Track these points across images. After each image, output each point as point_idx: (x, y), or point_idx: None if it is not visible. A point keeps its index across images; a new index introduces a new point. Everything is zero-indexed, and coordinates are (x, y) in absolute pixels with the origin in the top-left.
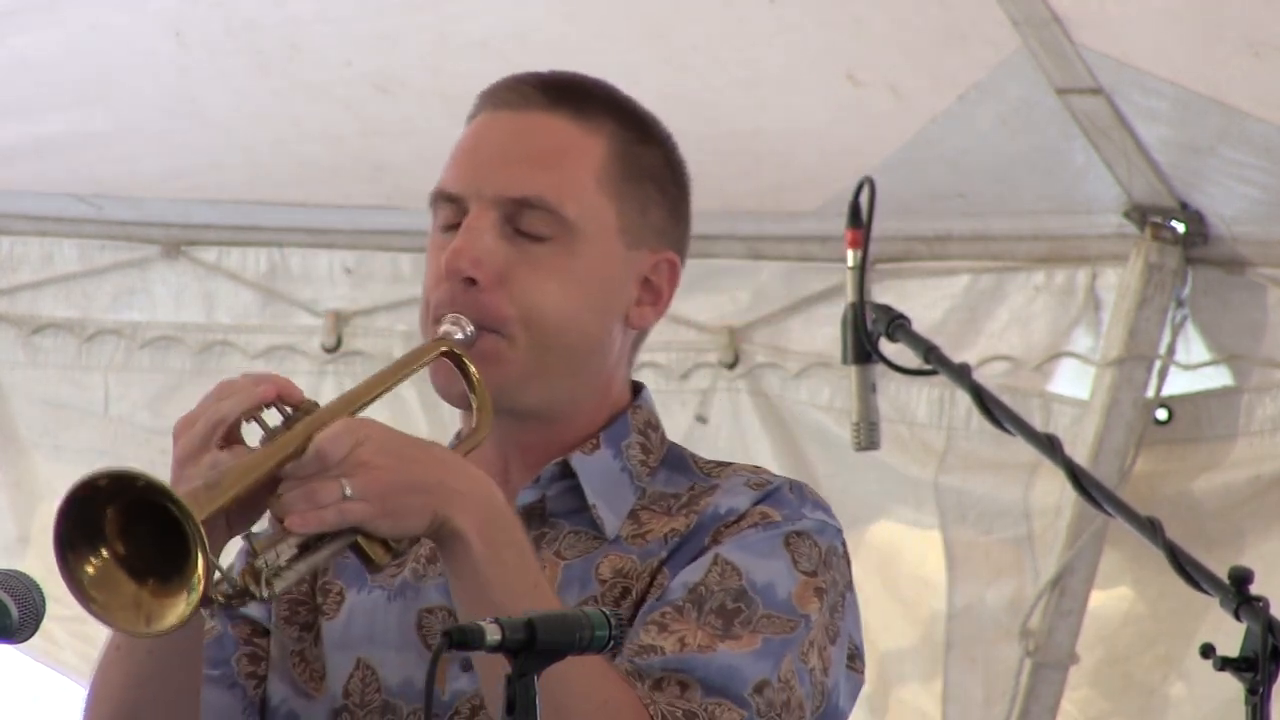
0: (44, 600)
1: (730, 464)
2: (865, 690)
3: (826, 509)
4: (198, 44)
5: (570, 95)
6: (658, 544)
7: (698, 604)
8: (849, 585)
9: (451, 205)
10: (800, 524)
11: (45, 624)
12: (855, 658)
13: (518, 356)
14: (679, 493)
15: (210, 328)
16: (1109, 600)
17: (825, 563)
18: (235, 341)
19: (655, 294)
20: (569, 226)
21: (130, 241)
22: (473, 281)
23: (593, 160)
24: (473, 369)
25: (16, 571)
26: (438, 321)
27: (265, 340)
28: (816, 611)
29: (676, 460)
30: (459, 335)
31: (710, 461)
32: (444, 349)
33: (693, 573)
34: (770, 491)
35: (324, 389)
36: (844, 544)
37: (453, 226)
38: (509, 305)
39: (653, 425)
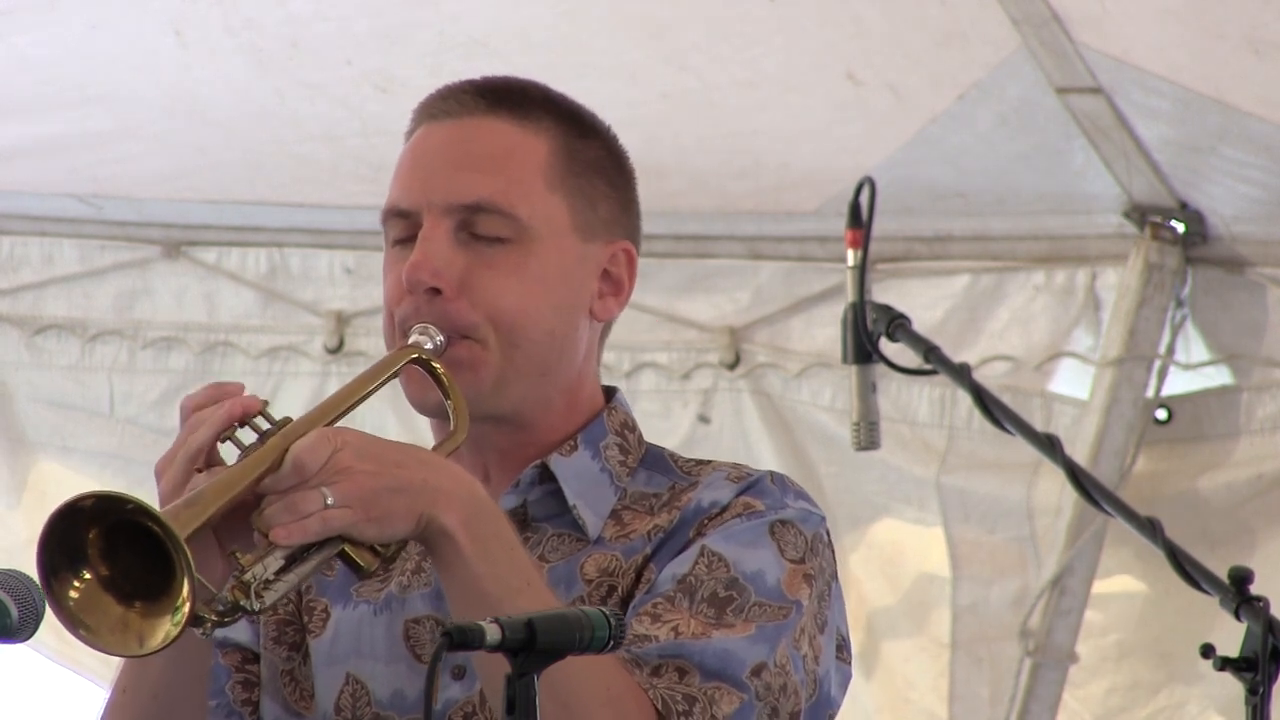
0: (44, 600)
1: (710, 461)
2: (868, 689)
3: (809, 498)
4: (198, 43)
5: (507, 97)
6: (641, 541)
7: (689, 593)
8: (834, 574)
9: (404, 220)
10: (784, 513)
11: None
12: (843, 648)
13: (491, 359)
14: (660, 492)
15: (212, 328)
16: (1114, 598)
17: (812, 550)
18: (237, 342)
19: (616, 285)
20: (523, 227)
21: (130, 242)
22: (436, 291)
23: (537, 159)
24: (443, 372)
25: (16, 571)
26: (405, 335)
27: (267, 341)
28: (807, 598)
29: (656, 460)
30: (429, 345)
31: (690, 460)
32: (413, 355)
33: (680, 565)
34: (752, 483)
35: (327, 389)
36: (828, 532)
37: (405, 240)
38: (474, 311)
39: (629, 426)
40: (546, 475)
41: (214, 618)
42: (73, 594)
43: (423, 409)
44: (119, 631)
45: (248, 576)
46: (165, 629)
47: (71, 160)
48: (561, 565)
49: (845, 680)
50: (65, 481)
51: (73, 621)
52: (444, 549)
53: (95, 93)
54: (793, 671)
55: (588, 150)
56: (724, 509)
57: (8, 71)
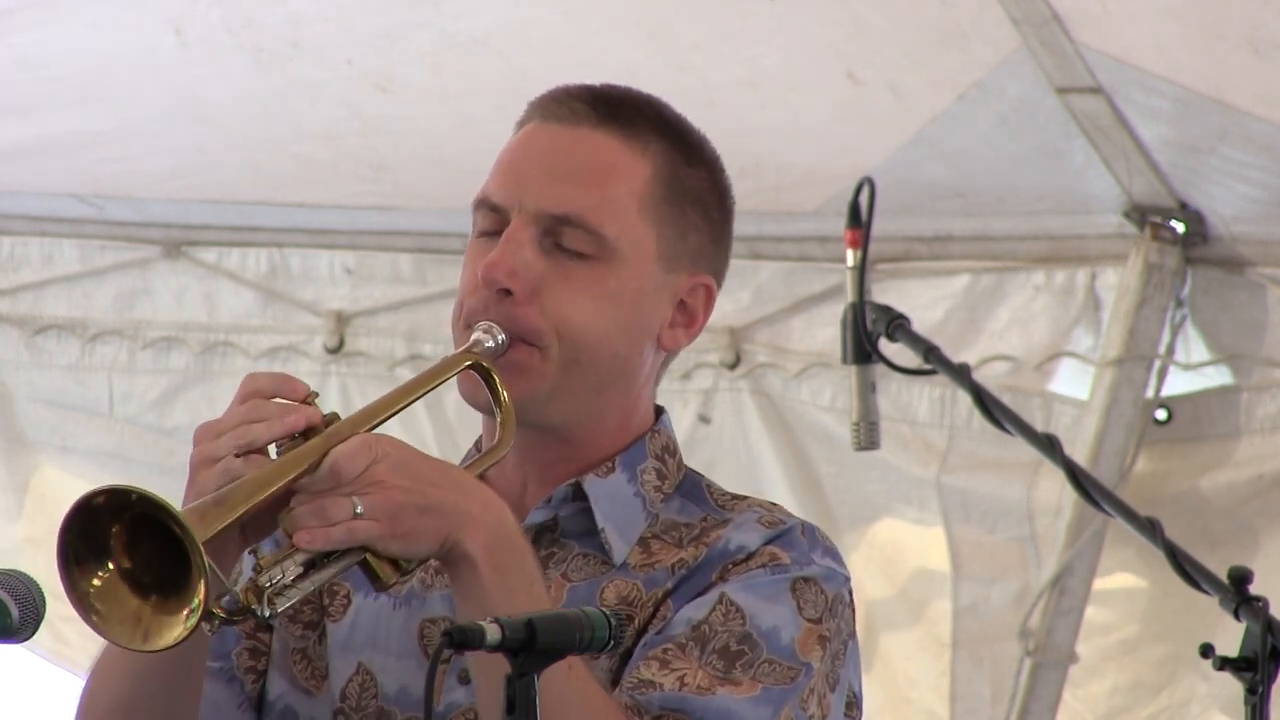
0: (44, 599)
1: (746, 498)
2: (868, 689)
3: (836, 555)
4: (198, 43)
5: (620, 113)
6: (664, 574)
7: (700, 643)
8: (852, 634)
9: (493, 213)
10: (809, 570)
11: (56, 624)
12: (853, 705)
13: (549, 370)
14: (691, 523)
15: (212, 328)
16: (1114, 598)
17: (831, 610)
18: (237, 342)
19: (689, 316)
20: (607, 247)
21: (131, 242)
22: (508, 292)
23: (637, 182)
24: (500, 385)
25: (16, 571)
26: (470, 327)
27: (267, 341)
28: (818, 660)
29: (692, 489)
30: (490, 343)
31: (726, 494)
32: (469, 361)
33: (697, 609)
34: (782, 532)
35: (327, 389)
36: (850, 592)
37: (491, 233)
38: (542, 318)
39: (670, 450)
40: (579, 494)
41: (223, 615)
42: (94, 584)
43: (473, 404)
44: (130, 624)
45: (263, 580)
46: (174, 630)
47: (71, 160)
48: (583, 586)
49: None
50: (64, 482)
51: (87, 609)
52: (464, 573)
53: (95, 93)
54: None
55: (690, 179)
56: (750, 556)
57: (8, 71)
